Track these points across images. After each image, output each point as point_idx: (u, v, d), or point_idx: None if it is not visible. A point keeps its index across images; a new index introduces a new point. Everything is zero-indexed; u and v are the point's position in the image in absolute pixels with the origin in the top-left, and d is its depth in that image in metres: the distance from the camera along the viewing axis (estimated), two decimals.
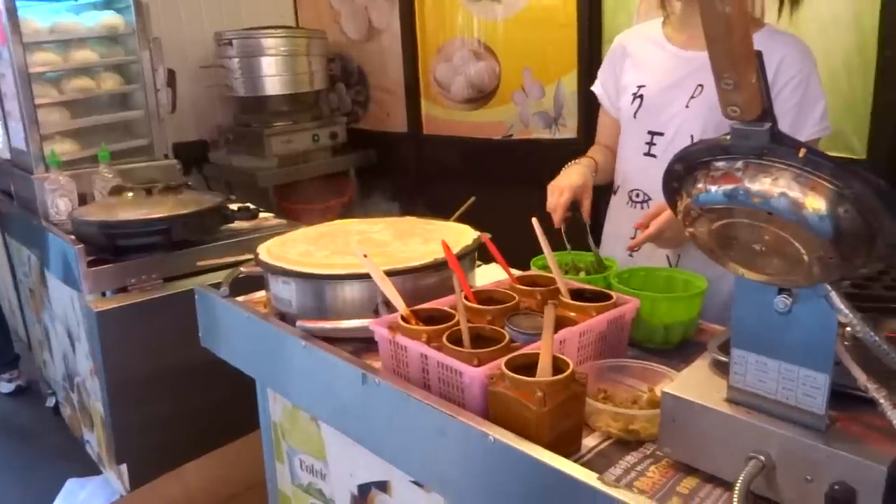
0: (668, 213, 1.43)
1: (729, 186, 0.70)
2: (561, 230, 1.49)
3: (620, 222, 1.69)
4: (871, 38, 2.07)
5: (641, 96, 1.59)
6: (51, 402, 3.04)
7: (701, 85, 1.51)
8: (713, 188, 0.71)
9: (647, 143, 1.59)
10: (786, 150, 0.66)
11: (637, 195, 1.64)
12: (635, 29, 1.74)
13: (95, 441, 2.50)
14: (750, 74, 0.60)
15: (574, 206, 1.52)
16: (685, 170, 0.74)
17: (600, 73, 1.76)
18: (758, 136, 0.67)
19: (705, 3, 0.58)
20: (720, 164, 0.71)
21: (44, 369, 3.14)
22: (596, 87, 1.77)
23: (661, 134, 1.57)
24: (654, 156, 1.58)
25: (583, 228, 1.52)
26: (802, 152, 0.64)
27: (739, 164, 0.69)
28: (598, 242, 1.71)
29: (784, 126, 1.50)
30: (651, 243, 1.49)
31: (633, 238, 1.63)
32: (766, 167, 0.67)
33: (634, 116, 1.61)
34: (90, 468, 2.57)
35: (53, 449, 2.83)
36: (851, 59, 2.10)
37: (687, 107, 1.52)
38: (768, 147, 0.66)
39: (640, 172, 1.62)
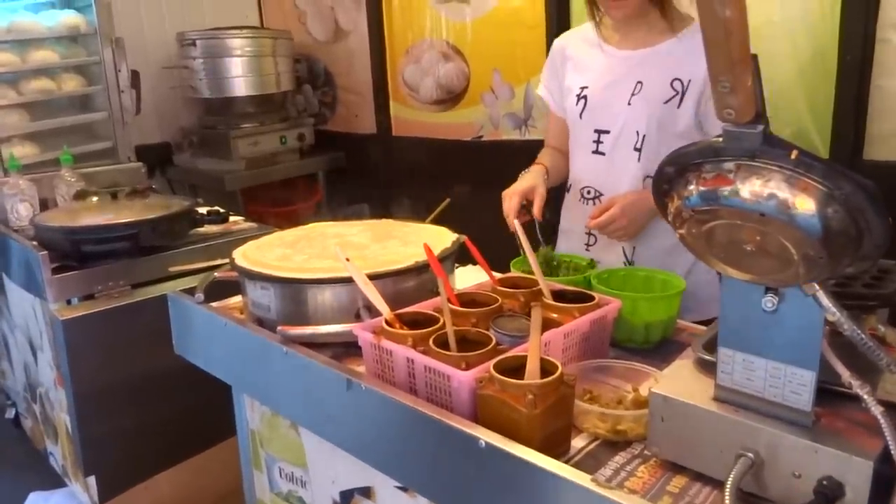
0: (620, 203, 1.51)
1: (721, 188, 0.70)
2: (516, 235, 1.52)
3: (574, 219, 1.74)
4: (832, 42, 2.12)
5: (585, 97, 1.64)
6: (10, 413, 2.94)
7: (640, 82, 1.56)
8: (705, 190, 0.72)
9: (595, 142, 1.64)
10: (777, 151, 0.66)
11: (588, 192, 1.68)
12: (572, 32, 1.79)
13: (60, 453, 2.42)
14: (746, 77, 0.61)
15: (528, 209, 1.56)
16: (676, 172, 0.75)
17: (543, 76, 1.80)
18: (750, 138, 0.67)
19: (704, 6, 0.58)
20: (712, 166, 0.71)
21: (2, 380, 3.04)
22: (541, 90, 1.81)
23: (607, 132, 1.62)
24: (602, 153, 1.63)
25: (545, 229, 1.57)
26: (794, 154, 0.65)
27: (731, 165, 0.70)
28: (553, 239, 1.76)
29: (711, 122, 1.55)
30: (606, 236, 1.56)
31: (587, 233, 1.68)
32: (757, 169, 0.68)
33: (580, 117, 1.65)
34: (54, 481, 2.49)
35: (14, 462, 2.73)
36: (815, 61, 2.15)
37: (629, 104, 1.57)
38: (760, 149, 0.67)
39: (590, 170, 1.67)
